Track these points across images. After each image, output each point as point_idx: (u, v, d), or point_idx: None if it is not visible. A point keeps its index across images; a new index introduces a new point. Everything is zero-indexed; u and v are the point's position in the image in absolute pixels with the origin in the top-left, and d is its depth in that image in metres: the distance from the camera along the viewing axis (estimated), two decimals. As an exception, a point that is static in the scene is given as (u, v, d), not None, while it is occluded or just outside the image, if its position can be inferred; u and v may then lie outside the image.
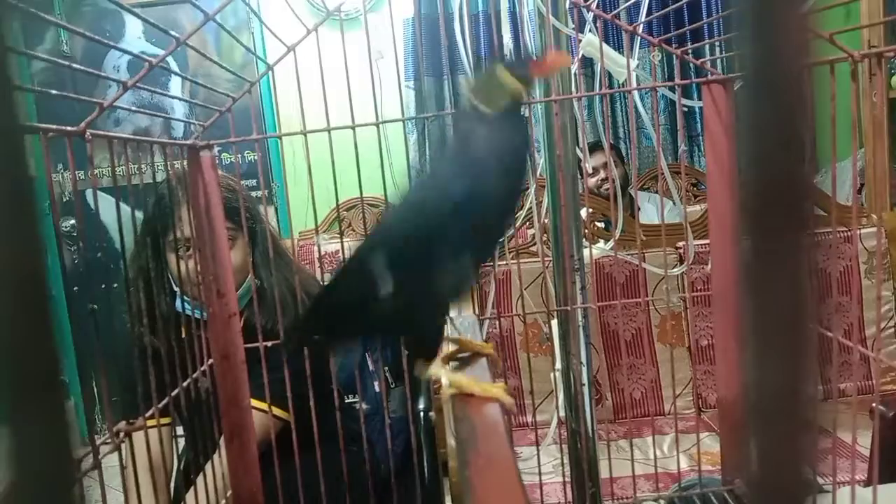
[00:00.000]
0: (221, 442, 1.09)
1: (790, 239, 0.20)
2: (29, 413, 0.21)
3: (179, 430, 1.48)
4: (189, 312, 1.25)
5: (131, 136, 0.80)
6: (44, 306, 0.20)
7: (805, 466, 0.21)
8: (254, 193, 3.21)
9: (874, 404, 1.36)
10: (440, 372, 0.78)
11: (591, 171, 3.01)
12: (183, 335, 0.99)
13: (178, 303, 1.37)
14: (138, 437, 0.84)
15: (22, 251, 0.19)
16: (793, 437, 0.21)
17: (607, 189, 2.84)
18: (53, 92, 0.61)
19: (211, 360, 1.04)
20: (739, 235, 0.21)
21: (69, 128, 0.63)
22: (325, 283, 0.79)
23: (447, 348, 0.87)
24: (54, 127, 0.61)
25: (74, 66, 0.62)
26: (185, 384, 0.93)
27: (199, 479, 1.09)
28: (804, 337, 0.21)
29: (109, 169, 0.79)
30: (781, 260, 0.20)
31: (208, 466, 1.10)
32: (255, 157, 3.28)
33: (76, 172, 0.72)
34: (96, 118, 0.67)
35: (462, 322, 1.06)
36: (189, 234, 1.09)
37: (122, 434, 0.74)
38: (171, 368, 0.90)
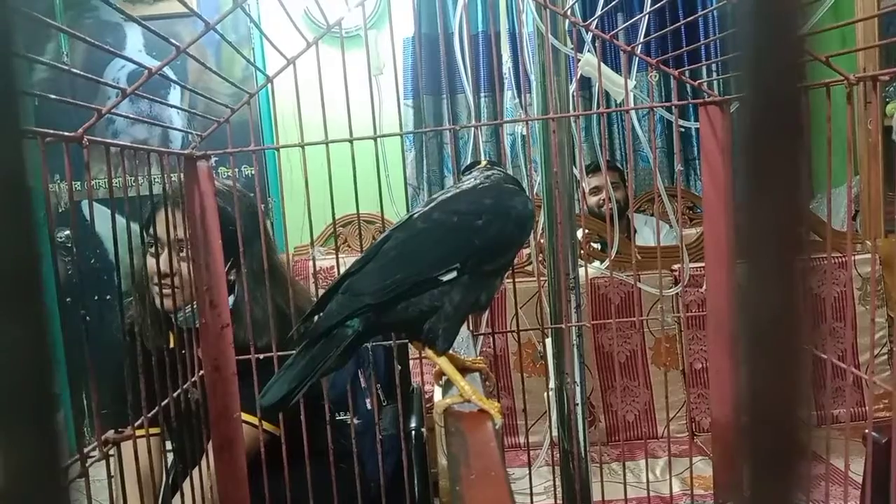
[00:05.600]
0: (209, 453, 1.08)
1: (785, 262, 0.20)
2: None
3: (169, 444, 1.47)
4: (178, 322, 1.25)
5: (128, 144, 0.80)
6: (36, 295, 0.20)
7: (798, 493, 0.21)
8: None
9: (867, 430, 1.35)
10: (447, 366, 0.79)
11: (589, 190, 3.02)
12: (171, 345, 0.98)
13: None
14: (126, 447, 0.83)
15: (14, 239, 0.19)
16: (787, 464, 0.21)
17: (607, 210, 2.85)
18: (52, 97, 0.61)
19: (202, 371, 1.03)
20: (734, 258, 0.21)
21: (67, 133, 0.63)
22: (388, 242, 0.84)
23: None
24: (52, 132, 0.60)
25: (74, 70, 0.62)
26: (175, 395, 0.92)
27: (187, 491, 1.08)
28: (799, 359, 0.21)
29: (105, 180, 0.79)
30: (776, 283, 0.20)
31: (196, 477, 1.08)
32: (253, 172, 3.28)
33: (72, 183, 0.71)
34: (94, 124, 0.67)
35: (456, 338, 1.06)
36: (160, 233, 1.09)
37: (110, 443, 0.74)
38: (162, 377, 0.90)
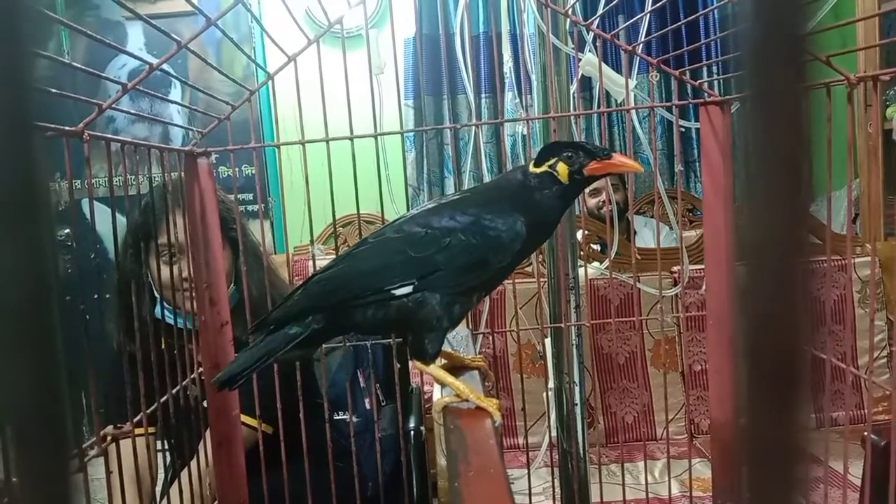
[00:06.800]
0: (207, 450, 1.08)
1: (786, 264, 0.20)
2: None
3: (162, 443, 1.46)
4: (169, 320, 1.24)
5: (129, 140, 0.80)
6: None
7: (797, 495, 0.21)
8: (250, 207, 3.21)
9: (866, 433, 1.35)
10: (438, 373, 0.79)
11: (589, 192, 3.02)
12: (163, 345, 0.98)
13: (157, 309, 1.37)
14: (124, 444, 0.83)
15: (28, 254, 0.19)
16: (785, 466, 0.21)
17: (607, 211, 2.85)
18: (53, 91, 0.61)
19: (200, 369, 1.03)
20: (734, 260, 0.21)
21: (67, 128, 0.63)
22: (340, 260, 0.83)
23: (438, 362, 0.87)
24: (52, 126, 0.61)
25: (75, 64, 0.62)
26: (174, 391, 0.92)
27: (185, 485, 1.08)
28: (800, 364, 0.21)
29: (106, 179, 0.79)
30: (779, 285, 0.20)
31: (195, 475, 1.08)
32: (253, 171, 3.28)
33: (72, 181, 0.71)
34: (94, 119, 0.67)
35: (455, 336, 1.06)
36: (172, 240, 1.08)
37: (108, 438, 0.73)
38: (157, 375, 0.89)
